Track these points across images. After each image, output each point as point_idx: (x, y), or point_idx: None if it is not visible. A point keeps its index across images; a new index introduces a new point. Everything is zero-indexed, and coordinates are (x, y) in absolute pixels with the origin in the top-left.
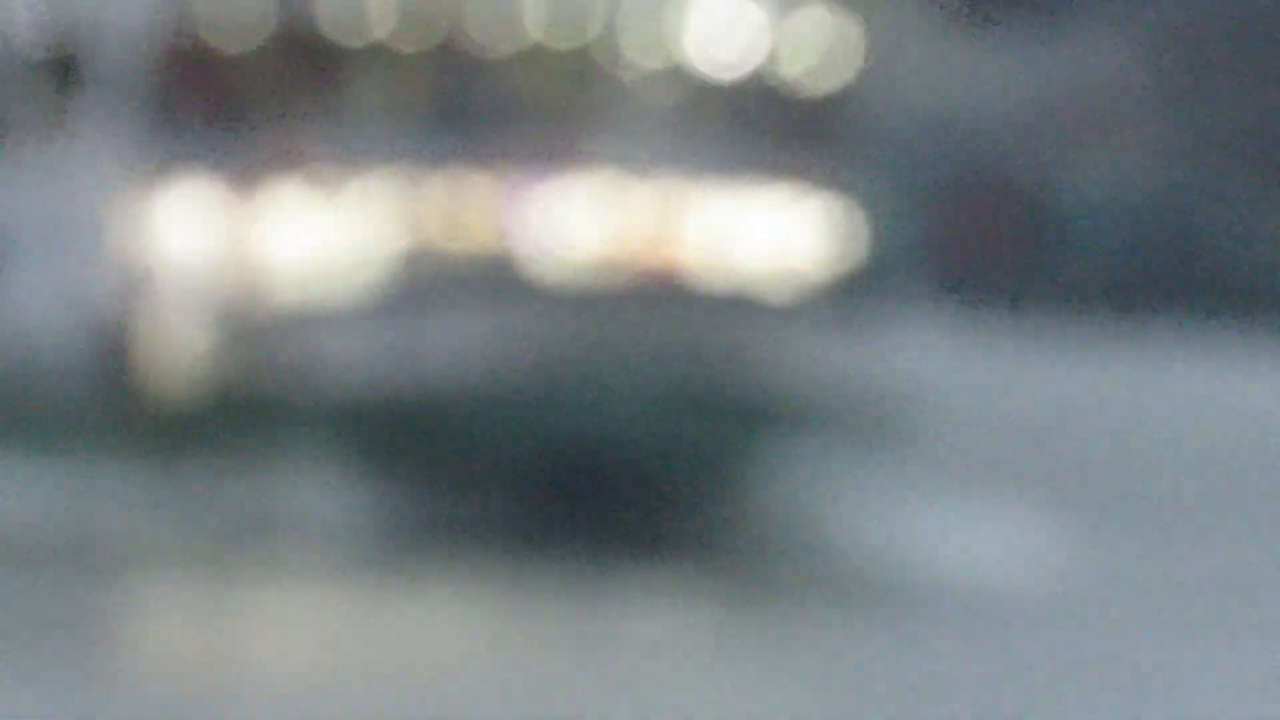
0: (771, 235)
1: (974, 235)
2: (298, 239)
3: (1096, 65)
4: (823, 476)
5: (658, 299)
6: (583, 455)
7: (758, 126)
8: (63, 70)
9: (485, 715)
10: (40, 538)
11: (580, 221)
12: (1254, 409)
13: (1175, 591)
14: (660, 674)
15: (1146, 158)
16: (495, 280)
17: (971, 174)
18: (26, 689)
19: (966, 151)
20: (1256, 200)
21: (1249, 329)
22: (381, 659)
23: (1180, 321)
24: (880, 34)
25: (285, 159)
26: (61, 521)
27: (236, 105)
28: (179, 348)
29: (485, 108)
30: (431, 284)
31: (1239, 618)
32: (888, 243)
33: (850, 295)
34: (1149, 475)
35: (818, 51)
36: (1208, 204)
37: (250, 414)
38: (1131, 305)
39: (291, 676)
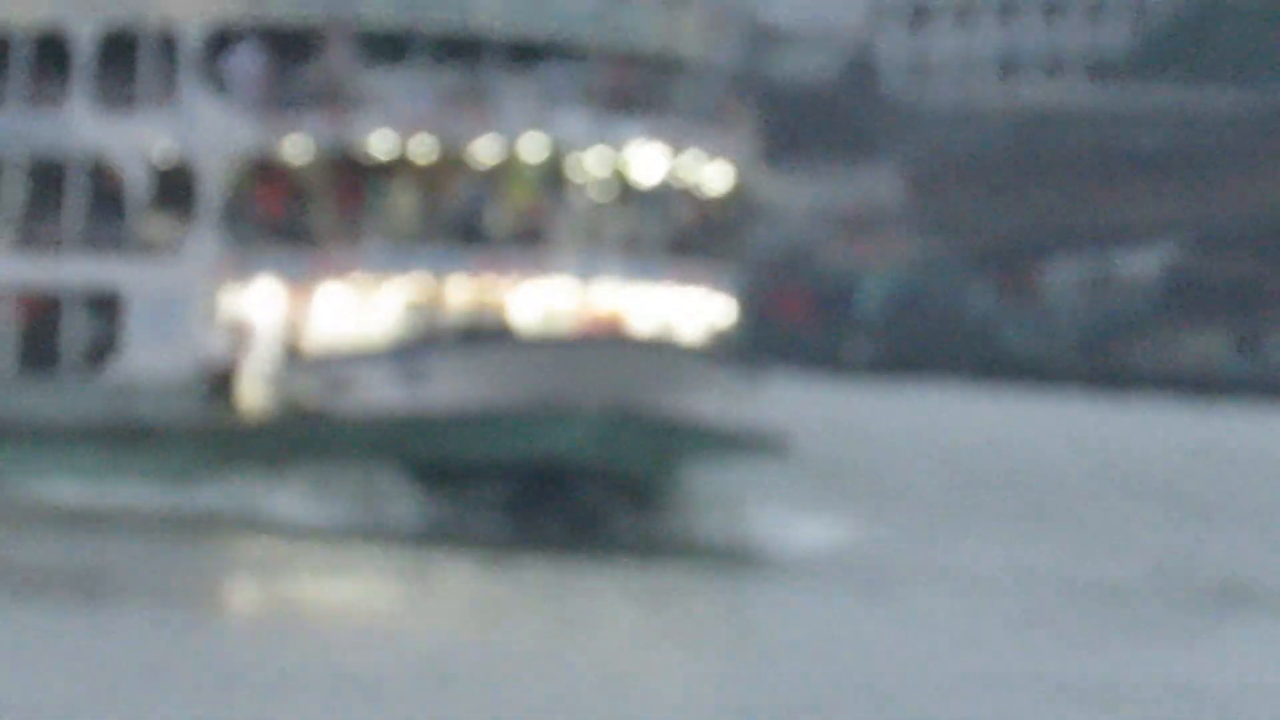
0: (669, 307)
1: (790, 312)
2: (337, 307)
3: (875, 194)
4: (711, 477)
5: (601, 344)
6: (552, 459)
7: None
8: (179, 186)
9: (483, 648)
10: (154, 511)
11: (553, 297)
12: (981, 430)
13: (916, 555)
14: (597, 604)
15: (907, 257)
16: (490, 335)
17: (790, 267)
18: (155, 628)
19: (788, 253)
20: (981, 285)
21: (978, 372)
22: (405, 610)
23: (933, 371)
24: (739, 169)
25: (328, 252)
26: (170, 500)
27: (297, 210)
28: (250, 384)
29: (482, 212)
30: (438, 340)
31: (954, 570)
32: (743, 315)
33: (721, 350)
34: (912, 482)
35: (702, 178)
36: (949, 289)
37: (302, 427)
38: (901, 361)
39: (344, 621)
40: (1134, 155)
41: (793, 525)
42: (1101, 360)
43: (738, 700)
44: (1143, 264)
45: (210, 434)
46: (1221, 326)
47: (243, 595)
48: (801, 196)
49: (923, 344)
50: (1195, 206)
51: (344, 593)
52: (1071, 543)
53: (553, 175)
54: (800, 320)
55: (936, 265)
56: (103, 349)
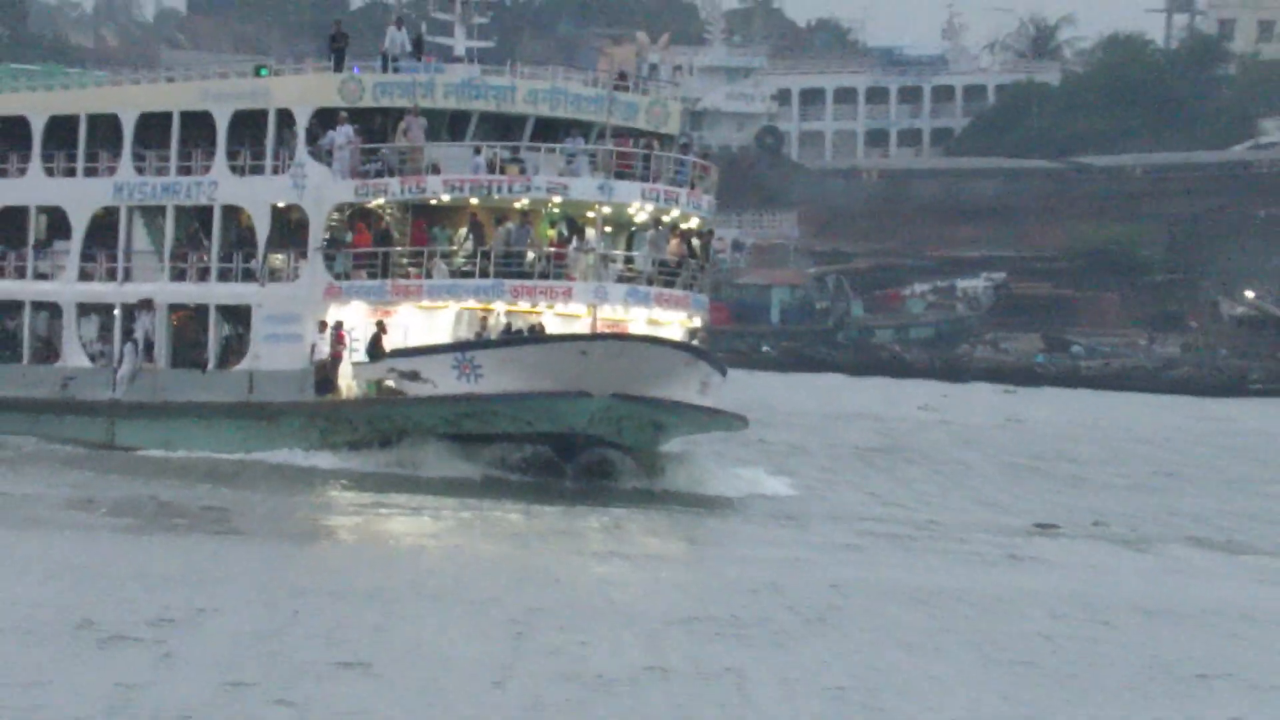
0: (657, 319)
1: (718, 320)
2: (409, 320)
3: (779, 232)
4: (689, 442)
5: (606, 346)
6: (570, 431)
7: (653, 267)
8: (294, 229)
9: (510, 563)
10: (274, 469)
11: (571, 314)
12: (858, 408)
13: (819, 499)
14: (595, 536)
15: (803, 279)
16: (524, 339)
17: (717, 287)
18: (271, 553)
19: (716, 276)
20: (857, 301)
21: (856, 366)
22: (457, 541)
23: (822, 366)
24: (705, 216)
25: (404, 279)
26: (286, 461)
27: (381, 248)
28: (346, 375)
29: (519, 251)
30: (485, 342)
31: (841, 508)
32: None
33: (696, 349)
34: (813, 446)
35: (681, 222)
36: (833, 303)
37: (386, 409)
38: (799, 358)
39: (415, 547)
40: (969, 206)
41: (740, 478)
42: (946, 357)
43: (685, 595)
44: (976, 285)
45: (317, 412)
46: (1034, 332)
47: (339, 529)
48: (727, 234)
49: (815, 345)
50: (1013, 244)
51: (415, 528)
52: (921, 490)
53: (571, 223)
54: (725, 326)
55: (824, 285)
56: (236, 349)
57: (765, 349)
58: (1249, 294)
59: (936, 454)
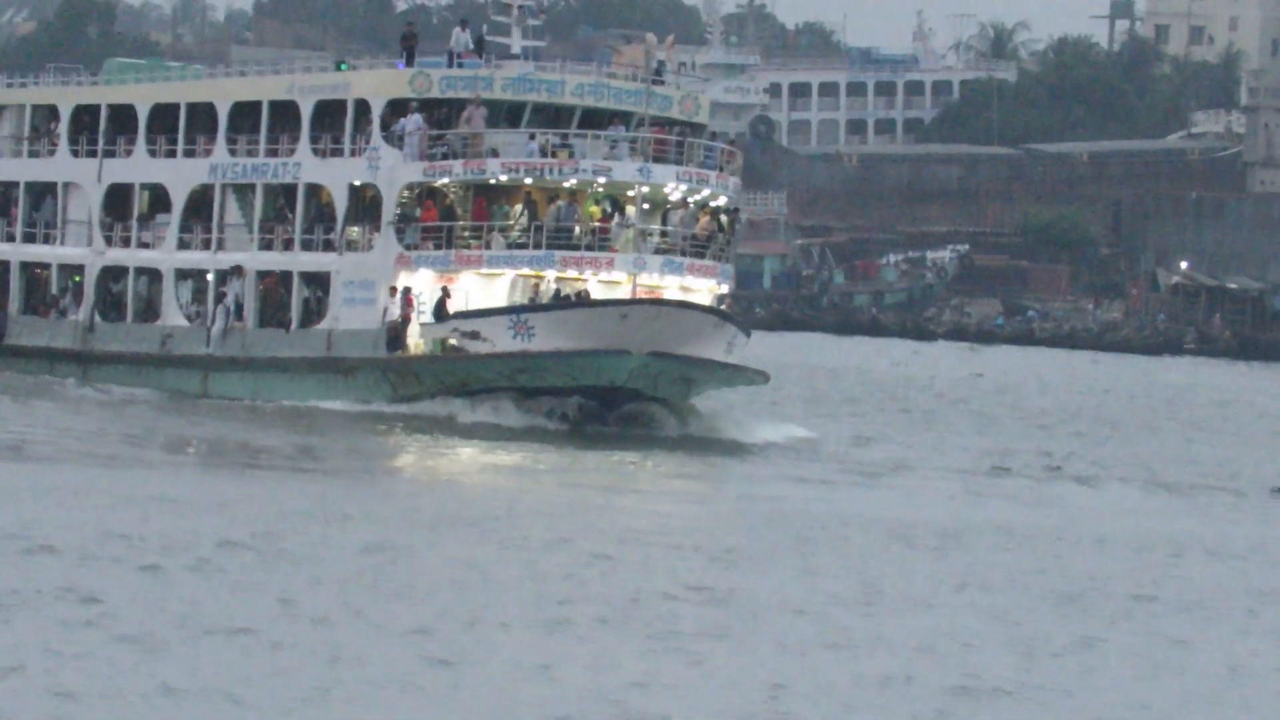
0: (689, 287)
1: None
2: (471, 286)
3: (771, 210)
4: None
5: (644, 309)
6: (612, 385)
7: (686, 241)
8: (369, 206)
9: (555, 498)
10: (352, 416)
11: (617, 278)
12: (843, 363)
13: (856, 443)
14: (632, 480)
15: (791, 251)
16: (572, 304)
17: None
18: (347, 484)
19: None
20: (838, 270)
21: (838, 327)
22: (510, 478)
23: (808, 327)
24: (732, 196)
25: (466, 251)
26: (363, 409)
27: (446, 220)
28: (415, 335)
29: (568, 227)
30: (541, 304)
31: (832, 448)
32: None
33: (723, 313)
34: (807, 395)
35: (711, 201)
36: (817, 272)
37: (449, 364)
38: (788, 320)
39: (474, 482)
40: (935, 187)
41: (753, 425)
42: (916, 320)
43: (704, 523)
44: (943, 257)
45: (390, 367)
46: (993, 298)
47: (407, 466)
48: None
49: (802, 309)
50: (974, 221)
51: (474, 465)
52: (900, 430)
53: (614, 202)
54: None
55: (809, 256)
56: (317, 311)
57: (758, 311)
58: (1183, 265)
59: (904, 400)
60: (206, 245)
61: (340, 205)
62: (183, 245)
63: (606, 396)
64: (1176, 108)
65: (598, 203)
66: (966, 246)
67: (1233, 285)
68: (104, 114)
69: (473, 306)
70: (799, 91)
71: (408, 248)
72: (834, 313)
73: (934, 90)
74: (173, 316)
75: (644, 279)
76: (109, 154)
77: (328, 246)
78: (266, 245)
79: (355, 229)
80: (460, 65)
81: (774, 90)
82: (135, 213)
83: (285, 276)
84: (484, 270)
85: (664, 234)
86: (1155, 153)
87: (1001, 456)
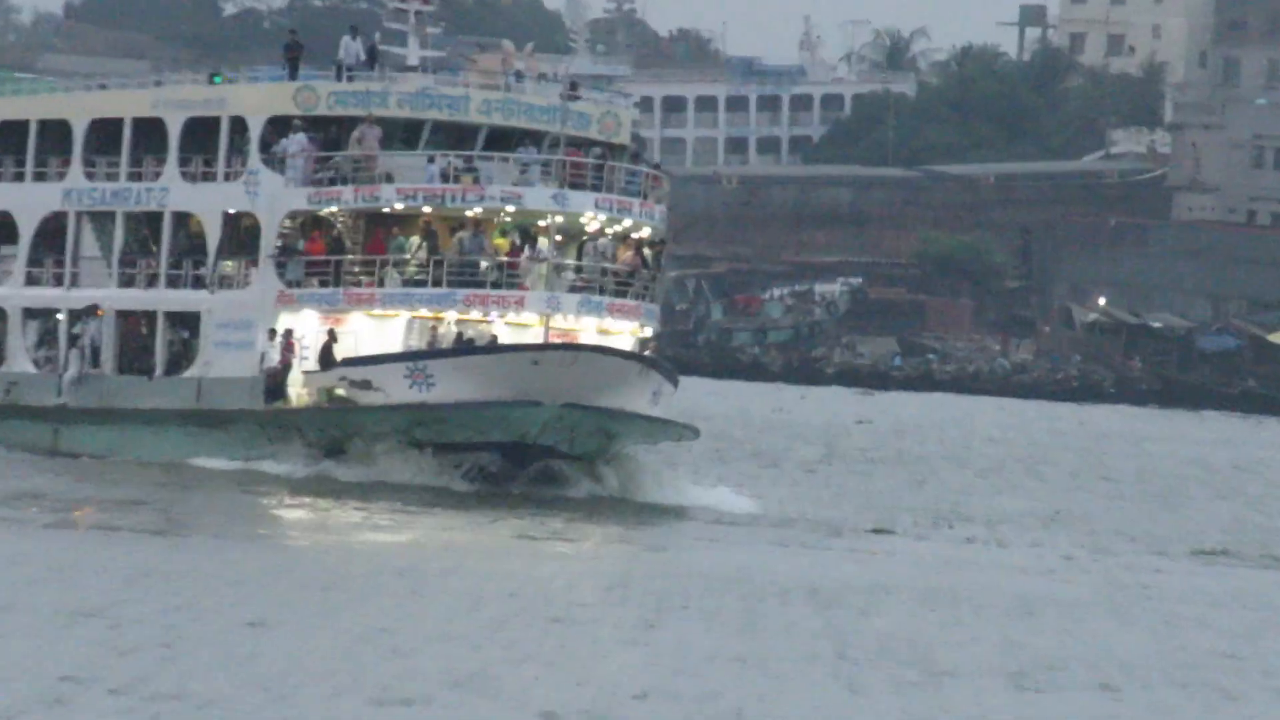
0: (609, 329)
1: None
2: (362, 327)
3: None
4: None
5: (557, 355)
6: (521, 439)
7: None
8: (246, 236)
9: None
10: (222, 474)
11: (524, 323)
12: (721, 410)
13: (794, 509)
14: (536, 532)
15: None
16: (476, 348)
17: None
18: (219, 551)
19: None
20: (717, 304)
21: (715, 369)
22: (405, 537)
23: (689, 362)
24: (656, 225)
25: (357, 288)
26: (235, 466)
27: (334, 256)
28: (296, 382)
29: (473, 261)
30: (437, 351)
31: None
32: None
33: (646, 359)
34: (772, 448)
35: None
36: (694, 306)
37: (336, 416)
38: (662, 353)
39: (365, 545)
40: (825, 212)
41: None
42: (803, 359)
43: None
44: (833, 290)
45: (268, 420)
46: (889, 336)
47: (287, 529)
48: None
49: (674, 346)
50: (868, 249)
51: (366, 531)
52: (788, 487)
53: (524, 232)
54: None
55: (684, 288)
56: (185, 356)
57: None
58: (1100, 300)
59: (790, 451)
60: (59, 281)
61: (213, 236)
62: (31, 281)
63: (516, 453)
64: (1093, 125)
65: (506, 234)
66: (859, 278)
67: (1156, 323)
68: None
69: (363, 351)
70: (673, 106)
71: (290, 284)
72: (711, 352)
73: (823, 105)
74: (18, 362)
75: (558, 320)
76: None
77: (198, 283)
78: (128, 281)
79: (230, 263)
80: (350, 78)
81: (645, 104)
82: None
83: (149, 316)
84: (377, 310)
85: (580, 269)
86: (1069, 175)
87: (879, 514)
